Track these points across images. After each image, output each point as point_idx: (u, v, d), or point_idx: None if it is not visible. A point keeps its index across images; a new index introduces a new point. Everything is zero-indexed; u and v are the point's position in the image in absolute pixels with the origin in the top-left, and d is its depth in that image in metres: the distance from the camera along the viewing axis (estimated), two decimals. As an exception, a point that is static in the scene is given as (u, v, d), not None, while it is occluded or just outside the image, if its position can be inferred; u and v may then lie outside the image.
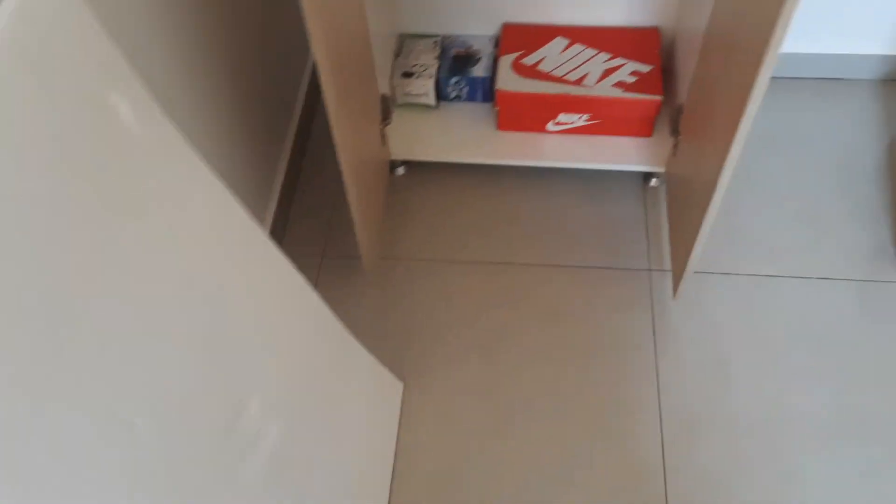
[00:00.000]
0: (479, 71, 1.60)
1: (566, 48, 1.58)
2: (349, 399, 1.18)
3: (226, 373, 0.87)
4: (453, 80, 1.60)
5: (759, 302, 1.46)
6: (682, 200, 1.36)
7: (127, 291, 0.71)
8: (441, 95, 1.63)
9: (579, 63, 1.55)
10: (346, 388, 1.18)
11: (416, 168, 1.66)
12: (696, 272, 1.49)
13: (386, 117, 1.49)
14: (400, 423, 1.34)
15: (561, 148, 1.56)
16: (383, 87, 1.56)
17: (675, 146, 1.44)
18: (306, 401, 1.06)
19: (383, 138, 1.49)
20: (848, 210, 1.56)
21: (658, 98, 1.48)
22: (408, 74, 1.59)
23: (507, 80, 1.53)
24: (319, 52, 0.99)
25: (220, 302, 0.86)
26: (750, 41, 1.00)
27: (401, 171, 1.65)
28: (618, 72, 1.53)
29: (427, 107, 1.63)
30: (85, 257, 0.65)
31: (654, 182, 1.60)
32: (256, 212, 1.45)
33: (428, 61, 1.61)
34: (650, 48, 1.56)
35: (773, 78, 1.75)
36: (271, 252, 0.97)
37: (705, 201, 1.18)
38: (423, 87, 1.59)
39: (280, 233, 1.56)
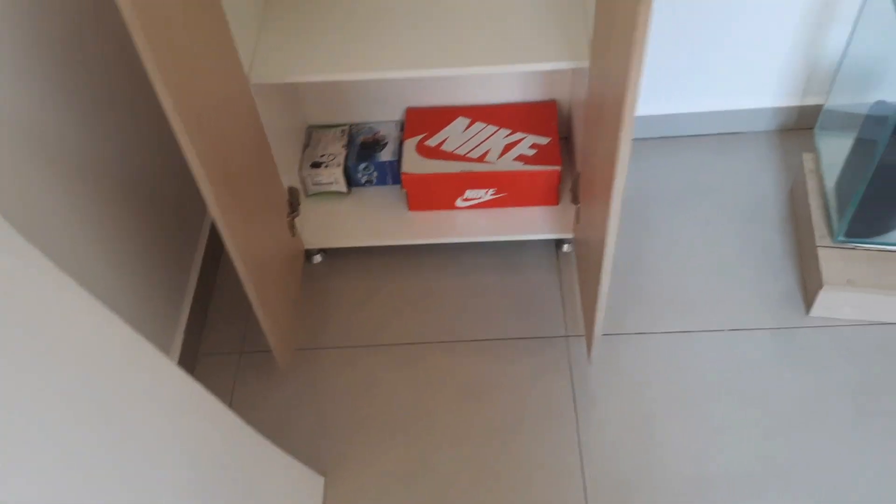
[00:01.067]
0: (386, 155, 1.63)
1: (468, 126, 1.62)
2: (267, 503, 1.16)
3: (125, 498, 0.85)
4: (362, 166, 1.63)
5: (675, 359, 1.48)
6: (587, 264, 1.39)
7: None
8: (352, 182, 1.66)
9: (481, 140, 1.60)
10: (262, 493, 1.16)
11: (333, 255, 1.67)
12: (611, 334, 1.51)
13: (294, 209, 1.50)
14: (325, 518, 1.32)
15: (471, 223, 1.59)
16: (292, 180, 1.58)
17: (577, 213, 1.48)
18: (216, 508, 1.03)
19: (293, 230, 1.51)
20: (755, 259, 1.60)
21: (557, 168, 1.53)
22: (316, 164, 1.62)
23: (412, 163, 1.57)
24: (193, 160, 1.00)
25: (108, 427, 0.85)
26: (612, 107, 1.04)
27: (318, 258, 1.66)
28: (518, 146, 1.58)
29: (339, 194, 1.66)
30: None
31: (566, 248, 1.64)
32: (169, 315, 1.44)
33: (336, 150, 1.65)
34: (548, 121, 1.62)
35: (674, 137, 1.81)
36: (164, 365, 0.96)
37: (601, 263, 1.21)
38: (332, 176, 1.61)
39: (197, 332, 1.55)
